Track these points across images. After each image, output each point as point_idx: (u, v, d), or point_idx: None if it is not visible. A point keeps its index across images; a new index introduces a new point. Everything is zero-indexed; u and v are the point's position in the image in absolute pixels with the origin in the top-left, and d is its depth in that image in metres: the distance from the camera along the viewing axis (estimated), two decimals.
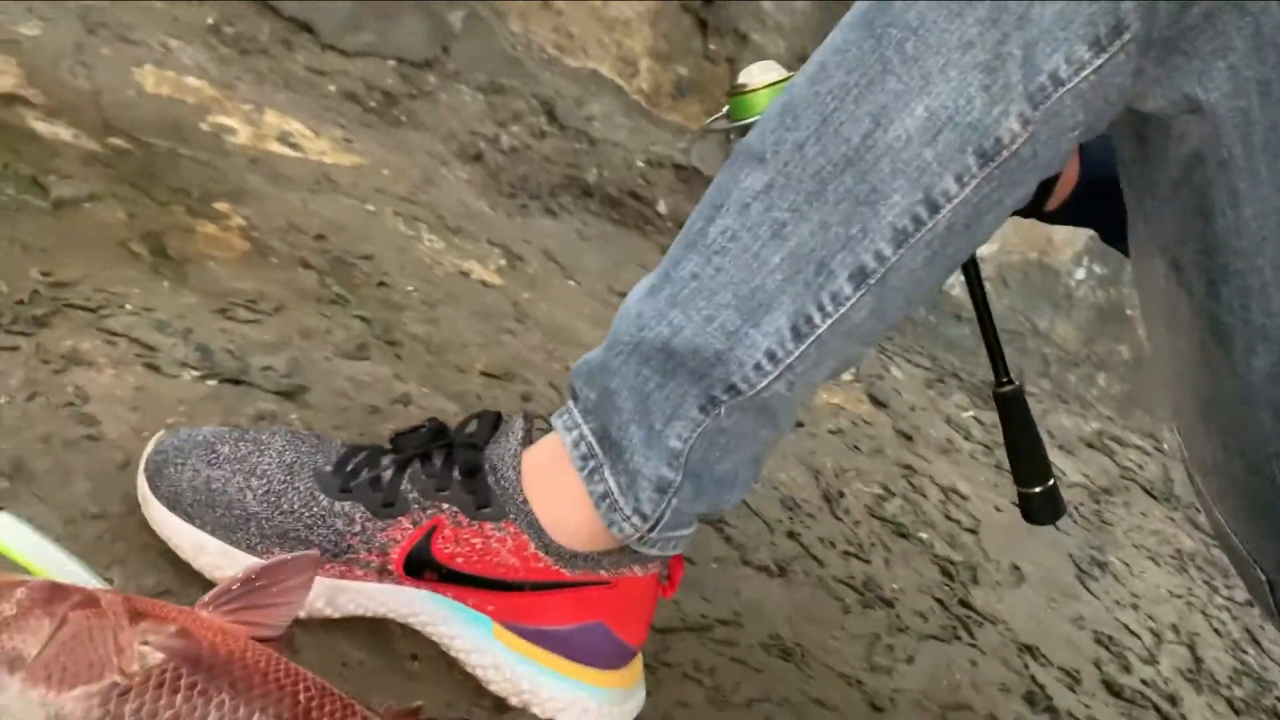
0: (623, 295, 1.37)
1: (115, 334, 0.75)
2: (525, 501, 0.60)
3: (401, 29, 1.49)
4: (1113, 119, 0.57)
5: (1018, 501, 0.70)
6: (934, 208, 0.55)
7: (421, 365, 0.94)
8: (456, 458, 0.60)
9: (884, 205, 0.55)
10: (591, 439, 0.61)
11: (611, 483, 0.60)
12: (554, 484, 0.61)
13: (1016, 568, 1.23)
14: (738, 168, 0.59)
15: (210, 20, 1.39)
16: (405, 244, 1.16)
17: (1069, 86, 0.53)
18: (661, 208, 1.61)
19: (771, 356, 0.58)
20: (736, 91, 0.67)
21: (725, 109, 0.69)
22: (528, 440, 0.63)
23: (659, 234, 1.60)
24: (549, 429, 0.64)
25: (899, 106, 0.55)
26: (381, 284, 1.04)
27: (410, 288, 1.06)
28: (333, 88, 1.44)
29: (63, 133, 1.01)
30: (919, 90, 0.54)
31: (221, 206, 1.02)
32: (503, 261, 1.26)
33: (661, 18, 1.55)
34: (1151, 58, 0.54)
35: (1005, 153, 0.55)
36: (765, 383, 0.58)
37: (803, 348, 0.57)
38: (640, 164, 1.61)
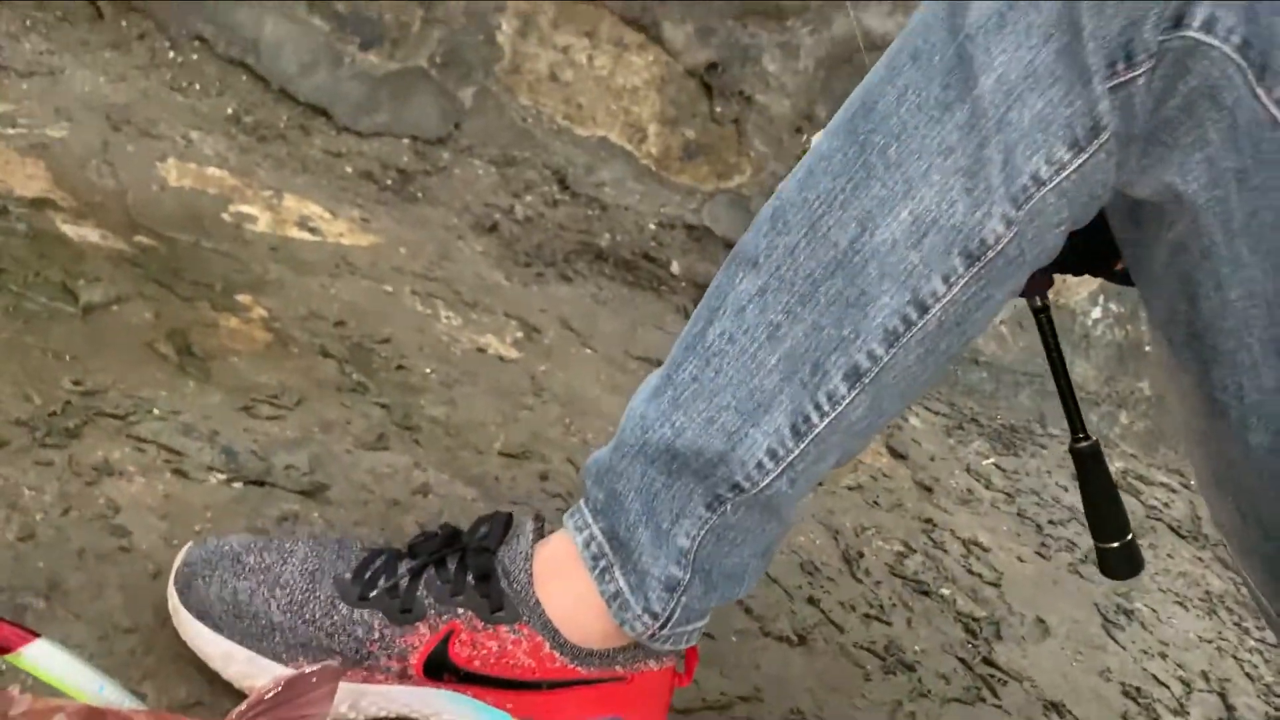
0: (639, 359, 1.39)
1: (144, 440, 0.78)
2: (538, 603, 0.62)
3: (415, 108, 1.53)
4: (1102, 207, 0.59)
5: (1095, 557, 0.70)
6: (923, 308, 0.57)
7: (440, 450, 0.96)
8: (469, 563, 0.63)
9: (873, 307, 0.57)
10: (601, 539, 0.62)
11: (622, 582, 0.62)
12: (566, 583, 0.63)
13: (1041, 620, 1.23)
14: (733, 272, 0.61)
15: (230, 110, 1.44)
16: (423, 323, 1.19)
17: (1051, 186, 0.55)
18: (675, 268, 1.63)
19: (773, 455, 0.59)
20: None
21: None
22: (538, 539, 0.65)
23: (673, 294, 1.62)
24: (559, 524, 0.65)
25: (884, 211, 0.56)
26: (400, 367, 1.07)
27: (428, 369, 1.09)
28: (349, 168, 1.48)
29: (90, 234, 1.05)
30: (903, 195, 0.56)
31: (244, 299, 1.06)
32: (519, 334, 1.28)
33: (668, 84, 1.59)
34: (1134, 152, 0.55)
35: (991, 252, 0.56)
36: (768, 480, 0.60)
37: (803, 446, 0.59)
38: (652, 226, 1.64)
